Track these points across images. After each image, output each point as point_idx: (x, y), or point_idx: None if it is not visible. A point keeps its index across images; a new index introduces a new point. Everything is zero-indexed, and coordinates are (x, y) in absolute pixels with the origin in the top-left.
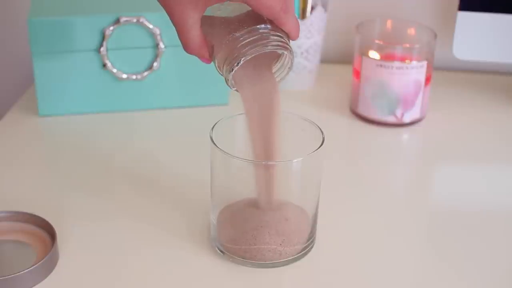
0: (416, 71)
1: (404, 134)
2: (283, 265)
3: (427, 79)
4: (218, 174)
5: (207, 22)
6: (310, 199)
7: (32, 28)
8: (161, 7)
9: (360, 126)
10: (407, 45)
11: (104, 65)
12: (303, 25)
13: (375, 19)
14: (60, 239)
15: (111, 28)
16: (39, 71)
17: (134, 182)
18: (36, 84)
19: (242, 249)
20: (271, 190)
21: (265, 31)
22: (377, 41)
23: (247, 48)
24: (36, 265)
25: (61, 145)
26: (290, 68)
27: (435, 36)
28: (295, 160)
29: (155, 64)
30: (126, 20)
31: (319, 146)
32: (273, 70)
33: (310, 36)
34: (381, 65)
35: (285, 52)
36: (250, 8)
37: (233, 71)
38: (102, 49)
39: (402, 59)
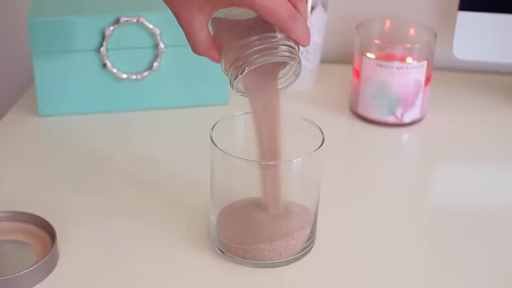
0: (416, 71)
1: (404, 134)
2: (283, 265)
3: (427, 79)
4: (218, 174)
5: (217, 23)
6: (310, 199)
7: (32, 28)
8: (161, 7)
9: (360, 126)
10: (407, 45)
11: (104, 65)
12: None
13: (375, 19)
14: (60, 239)
15: (111, 28)
16: (39, 71)
17: (134, 182)
18: (36, 84)
19: (242, 249)
20: (279, 192)
21: (273, 39)
22: (377, 41)
23: (252, 58)
24: (36, 265)
25: (61, 145)
26: (297, 76)
27: (435, 36)
28: (295, 160)
29: (155, 64)
30: (126, 20)
31: (319, 146)
32: (280, 76)
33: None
34: (381, 65)
35: (292, 63)
36: None
37: (237, 79)
38: (102, 49)
39: (402, 59)
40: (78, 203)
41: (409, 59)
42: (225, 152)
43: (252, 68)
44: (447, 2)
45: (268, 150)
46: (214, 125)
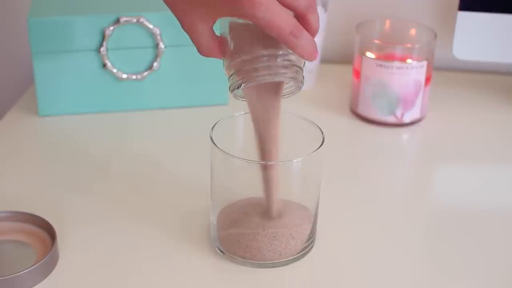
0: (416, 71)
1: (404, 134)
2: (283, 265)
3: (427, 79)
4: (218, 174)
5: (229, 26)
6: (310, 199)
7: (32, 28)
8: (161, 7)
9: (360, 126)
10: (407, 45)
11: (104, 65)
12: None
13: (375, 19)
14: (60, 239)
15: (111, 28)
16: (39, 71)
17: (134, 182)
18: (36, 84)
19: (242, 249)
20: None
21: (278, 57)
22: (377, 41)
23: (253, 75)
24: (36, 265)
25: (61, 145)
26: (300, 88)
27: (435, 36)
28: (295, 160)
29: (155, 64)
30: (126, 20)
31: (319, 146)
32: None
33: None
34: (381, 65)
35: (291, 82)
36: None
37: (234, 91)
38: (102, 49)
39: (402, 59)
40: (78, 203)
41: (409, 59)
42: (225, 152)
43: (249, 85)
44: (447, 2)
45: (264, 154)
46: (214, 125)
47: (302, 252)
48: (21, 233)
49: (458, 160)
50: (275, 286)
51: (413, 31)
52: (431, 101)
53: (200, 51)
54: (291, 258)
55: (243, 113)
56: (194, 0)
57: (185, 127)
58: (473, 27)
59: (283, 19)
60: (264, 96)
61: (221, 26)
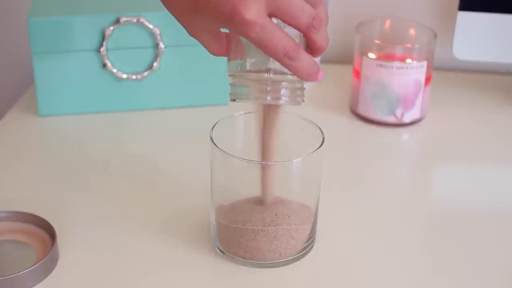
0: (416, 71)
1: (404, 134)
2: (283, 265)
3: (427, 79)
4: (218, 174)
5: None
6: (310, 199)
7: (32, 27)
8: (161, 7)
9: (360, 126)
10: (407, 45)
11: (104, 65)
12: None
13: (375, 19)
14: (60, 239)
15: (111, 28)
16: (39, 71)
17: (134, 182)
18: (36, 84)
19: (242, 249)
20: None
21: (271, 76)
22: (377, 41)
23: (250, 93)
24: (36, 265)
25: (61, 145)
26: (298, 103)
27: (435, 36)
28: (295, 160)
29: (155, 64)
30: (126, 20)
31: (319, 146)
32: None
33: None
34: (381, 65)
35: (284, 104)
36: None
37: (231, 100)
38: (102, 49)
39: (402, 59)
40: (78, 203)
41: (409, 59)
42: (225, 152)
43: (243, 102)
44: (447, 2)
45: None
46: (214, 125)
47: (302, 252)
48: (21, 233)
49: (458, 160)
50: (275, 286)
51: (413, 31)
52: (431, 101)
53: (209, 52)
54: (291, 258)
55: (243, 113)
56: (192, 15)
57: (185, 127)
58: (473, 27)
59: (277, 40)
60: (264, 108)
61: None
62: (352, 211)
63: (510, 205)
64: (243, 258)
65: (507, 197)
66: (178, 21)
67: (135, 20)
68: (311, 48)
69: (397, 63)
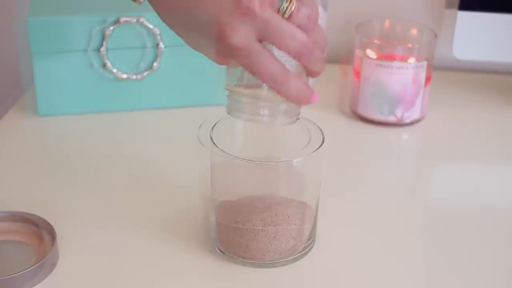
0: (416, 71)
1: (404, 134)
2: (283, 265)
3: (427, 79)
4: (218, 174)
5: None
6: (310, 199)
7: (31, 28)
8: None
9: (360, 126)
10: (407, 45)
11: (104, 65)
12: None
13: (375, 19)
14: (60, 239)
15: (111, 28)
16: (39, 71)
17: (134, 182)
18: (35, 84)
19: (242, 249)
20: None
21: (265, 94)
22: (376, 41)
23: (242, 112)
24: (36, 265)
25: (61, 145)
26: (293, 122)
27: (435, 36)
28: (295, 160)
29: (155, 64)
30: (126, 20)
31: (319, 146)
32: None
33: None
34: (380, 65)
35: (279, 124)
36: None
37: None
38: (102, 49)
39: (402, 59)
40: (78, 203)
41: (409, 59)
42: (225, 151)
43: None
44: (447, 2)
45: None
46: (214, 124)
47: (302, 252)
48: (21, 233)
49: (457, 160)
50: (275, 286)
51: (413, 31)
52: (431, 101)
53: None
54: (291, 258)
55: None
56: (186, 33)
57: (186, 127)
58: (473, 27)
59: (264, 66)
60: None
61: None
62: (352, 211)
63: (509, 205)
64: (243, 258)
65: (506, 197)
66: (176, 34)
67: (135, 20)
68: (307, 71)
69: (397, 63)
